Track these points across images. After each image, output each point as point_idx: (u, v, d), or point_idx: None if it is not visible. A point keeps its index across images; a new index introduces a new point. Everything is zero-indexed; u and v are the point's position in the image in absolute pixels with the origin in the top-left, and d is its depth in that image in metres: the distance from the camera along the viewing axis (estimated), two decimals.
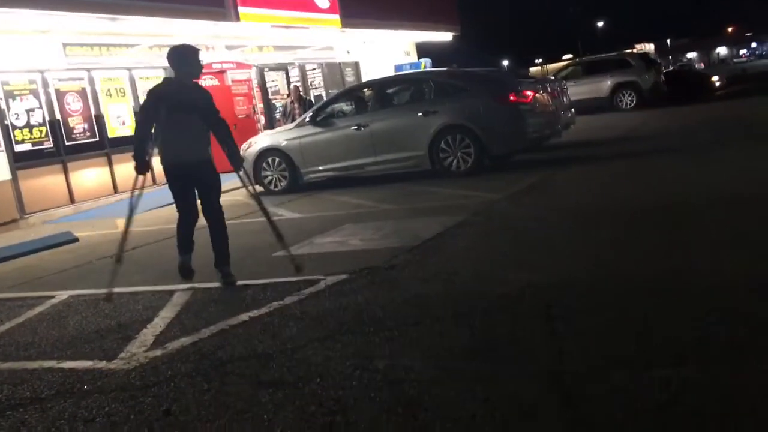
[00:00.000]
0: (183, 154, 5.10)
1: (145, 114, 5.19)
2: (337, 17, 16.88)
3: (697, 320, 3.10)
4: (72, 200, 12.04)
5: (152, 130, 5.14)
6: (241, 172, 5.38)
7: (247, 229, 7.39)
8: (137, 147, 5.08)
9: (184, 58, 5.20)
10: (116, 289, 5.19)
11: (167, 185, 5.27)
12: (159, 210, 10.29)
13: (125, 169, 13.11)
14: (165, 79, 5.58)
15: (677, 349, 2.83)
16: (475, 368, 2.95)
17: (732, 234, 4.56)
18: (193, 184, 5.20)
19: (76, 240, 8.53)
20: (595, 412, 2.44)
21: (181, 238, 5.33)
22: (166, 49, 5.15)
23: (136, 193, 5.10)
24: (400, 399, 2.74)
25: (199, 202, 5.28)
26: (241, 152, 11.18)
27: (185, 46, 5.40)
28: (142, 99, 13.82)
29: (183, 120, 5.06)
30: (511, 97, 8.99)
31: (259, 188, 10.65)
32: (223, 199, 5.41)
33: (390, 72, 18.08)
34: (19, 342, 4.39)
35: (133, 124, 13.42)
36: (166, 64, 5.24)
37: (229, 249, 5.25)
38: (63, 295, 5.55)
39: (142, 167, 5.08)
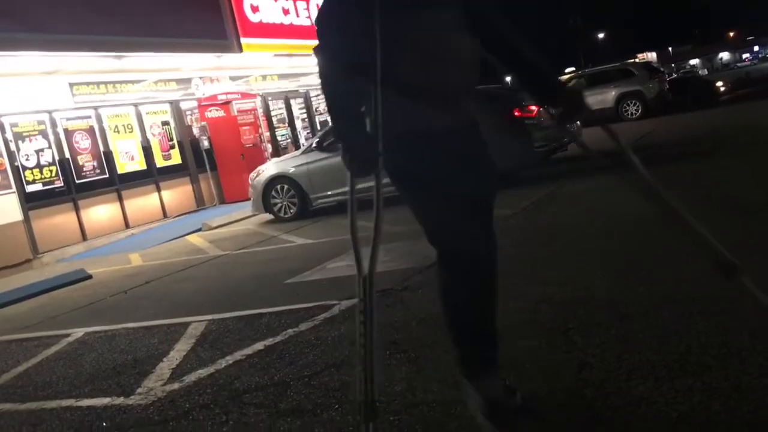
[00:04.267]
0: (442, 110, 2.39)
1: (342, 31, 2.22)
2: None
3: (718, 327, 3.05)
4: (84, 237, 12.14)
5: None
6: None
7: (258, 259, 7.40)
8: (343, 117, 2.27)
9: None
10: (130, 325, 5.19)
11: (401, 187, 2.44)
12: (168, 244, 10.35)
13: (135, 203, 13.23)
14: None
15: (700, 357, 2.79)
16: None
17: (746, 236, 4.51)
18: (463, 181, 2.39)
19: (89, 277, 8.56)
20: (620, 425, 2.40)
21: (474, 321, 2.46)
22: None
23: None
24: (419, 422, 2.71)
25: None
26: (249, 181, 11.39)
27: None
28: (149, 134, 14.15)
29: (433, 27, 2.30)
30: (516, 113, 8.99)
31: (268, 216, 10.71)
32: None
33: None
34: (36, 382, 4.39)
35: (142, 159, 13.68)
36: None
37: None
38: (78, 332, 5.56)
39: (365, 159, 2.20)
